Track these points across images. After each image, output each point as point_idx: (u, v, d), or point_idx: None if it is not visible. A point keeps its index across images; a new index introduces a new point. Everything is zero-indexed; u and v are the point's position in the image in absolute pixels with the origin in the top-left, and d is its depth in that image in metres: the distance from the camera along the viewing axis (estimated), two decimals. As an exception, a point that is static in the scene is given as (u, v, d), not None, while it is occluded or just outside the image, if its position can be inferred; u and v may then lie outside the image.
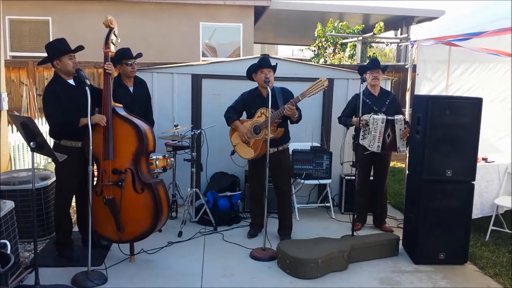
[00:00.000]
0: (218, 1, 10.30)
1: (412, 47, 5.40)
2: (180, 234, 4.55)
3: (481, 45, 4.86)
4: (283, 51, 25.06)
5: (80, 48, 3.67)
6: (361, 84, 4.34)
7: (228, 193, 5.18)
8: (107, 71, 3.59)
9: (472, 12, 4.49)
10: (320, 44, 12.42)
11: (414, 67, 5.51)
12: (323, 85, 4.13)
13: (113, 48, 3.63)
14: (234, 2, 10.38)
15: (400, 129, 4.59)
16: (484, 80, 5.66)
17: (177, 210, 5.16)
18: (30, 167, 5.28)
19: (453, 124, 3.88)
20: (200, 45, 10.61)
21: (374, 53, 12.84)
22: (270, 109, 4.05)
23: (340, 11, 12.68)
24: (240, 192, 5.35)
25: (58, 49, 3.60)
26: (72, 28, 9.72)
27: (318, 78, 4.20)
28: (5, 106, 4.88)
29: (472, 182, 3.98)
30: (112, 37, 3.60)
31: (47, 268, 3.66)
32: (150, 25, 10.22)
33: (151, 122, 5.01)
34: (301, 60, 12.71)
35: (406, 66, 5.65)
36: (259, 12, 11.44)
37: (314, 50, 13.05)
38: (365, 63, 5.94)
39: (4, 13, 9.63)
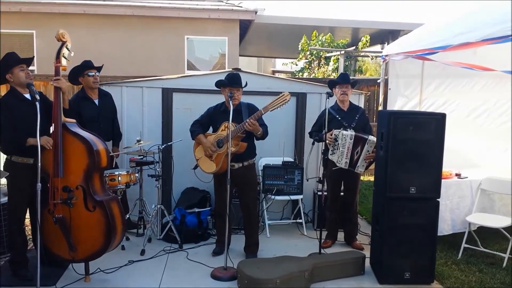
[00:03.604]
0: (203, 14, 10.31)
1: (383, 61, 5.34)
2: (142, 252, 4.43)
3: (455, 59, 4.80)
4: (281, 64, 25.04)
5: (30, 60, 3.64)
6: (327, 99, 4.29)
7: (196, 210, 5.07)
8: (55, 85, 3.52)
9: (436, 27, 4.45)
10: (305, 58, 12.42)
11: (386, 82, 5.45)
12: (285, 99, 4.07)
13: (64, 62, 3.57)
14: (219, 15, 10.39)
15: (368, 151, 4.46)
16: (459, 95, 5.59)
17: (144, 227, 5.04)
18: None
19: (416, 140, 3.79)
20: (185, 58, 10.59)
21: (359, 67, 12.79)
22: (231, 123, 3.98)
23: (329, 25, 12.71)
24: (209, 208, 5.24)
25: (7, 61, 3.55)
26: (57, 42, 9.69)
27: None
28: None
29: (437, 199, 3.89)
30: (64, 51, 3.54)
31: (-3, 288, 3.55)
32: (134, 39, 10.21)
33: (118, 135, 4.98)
34: (292, 73, 12.62)
35: (378, 81, 5.59)
36: (245, 25, 11.44)
37: (296, 64, 13.05)
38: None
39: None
